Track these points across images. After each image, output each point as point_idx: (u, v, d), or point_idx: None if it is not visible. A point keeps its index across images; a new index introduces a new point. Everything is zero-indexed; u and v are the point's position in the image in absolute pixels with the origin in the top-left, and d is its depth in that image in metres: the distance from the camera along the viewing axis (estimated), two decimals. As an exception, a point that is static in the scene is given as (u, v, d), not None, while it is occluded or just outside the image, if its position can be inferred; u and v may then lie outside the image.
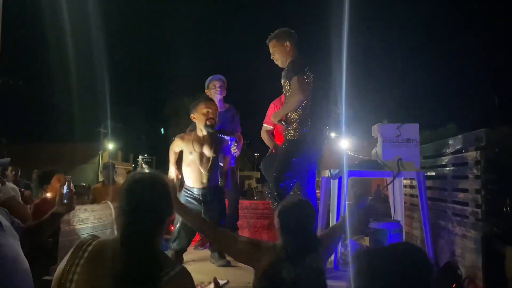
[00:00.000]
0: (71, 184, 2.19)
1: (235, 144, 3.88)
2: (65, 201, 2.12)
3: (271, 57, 3.46)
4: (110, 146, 30.79)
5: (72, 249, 1.46)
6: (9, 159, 2.31)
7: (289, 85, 3.25)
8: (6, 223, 1.90)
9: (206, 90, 4.25)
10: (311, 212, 2.08)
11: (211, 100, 3.59)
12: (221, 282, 2.33)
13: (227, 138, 3.99)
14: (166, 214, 1.51)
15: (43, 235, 2.16)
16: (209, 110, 3.40)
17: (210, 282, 2.13)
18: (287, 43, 3.36)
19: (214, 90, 4.13)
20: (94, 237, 1.50)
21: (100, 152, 29.83)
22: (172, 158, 3.52)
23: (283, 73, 3.38)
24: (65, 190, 2.13)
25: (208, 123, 3.37)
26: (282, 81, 3.40)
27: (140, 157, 34.90)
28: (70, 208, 2.18)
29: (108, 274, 1.33)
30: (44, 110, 29.39)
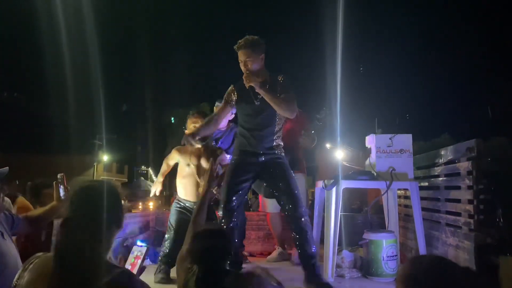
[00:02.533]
0: (65, 180, 2.27)
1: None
2: (62, 197, 2.24)
3: (241, 65, 3.13)
4: (105, 157, 30.68)
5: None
6: (7, 168, 2.28)
7: (284, 94, 3.16)
8: (5, 228, 2.03)
9: (215, 108, 4.26)
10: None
11: (199, 112, 3.61)
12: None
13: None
14: (110, 224, 1.44)
15: (40, 225, 2.40)
16: (196, 125, 3.43)
17: None
18: (263, 55, 3.17)
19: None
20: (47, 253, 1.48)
21: (95, 164, 29.69)
22: (163, 170, 3.54)
23: (264, 85, 3.09)
24: (60, 189, 2.25)
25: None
26: (263, 91, 3.08)
27: (135, 168, 34.78)
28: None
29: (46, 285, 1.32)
30: (38, 121, 29.26)
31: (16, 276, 1.42)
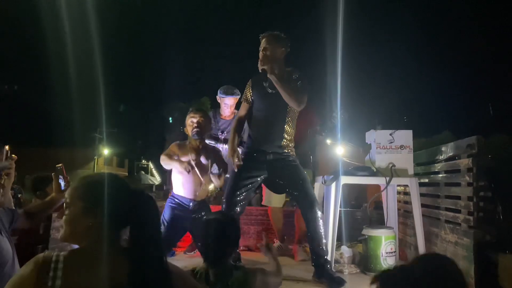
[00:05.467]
0: (64, 171, 2.25)
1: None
2: (63, 188, 2.22)
3: (261, 51, 3.19)
4: (105, 151, 30.69)
5: (32, 269, 1.26)
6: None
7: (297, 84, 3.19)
8: (3, 224, 2.05)
9: (217, 97, 4.34)
10: None
11: (198, 109, 3.59)
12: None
13: (213, 143, 4.04)
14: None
15: (39, 218, 2.39)
16: (193, 120, 3.42)
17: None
18: (283, 49, 3.25)
19: (225, 106, 4.29)
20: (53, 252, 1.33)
21: (95, 157, 29.71)
22: (170, 160, 3.38)
23: (276, 73, 3.09)
24: (60, 180, 2.24)
25: (193, 132, 3.39)
26: (274, 78, 3.09)
27: (136, 162, 34.81)
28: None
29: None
30: (38, 115, 29.25)
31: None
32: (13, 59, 29.39)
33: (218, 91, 4.35)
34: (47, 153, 25.70)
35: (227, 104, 4.31)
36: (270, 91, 3.19)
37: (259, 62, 3.11)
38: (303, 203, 3.16)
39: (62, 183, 2.25)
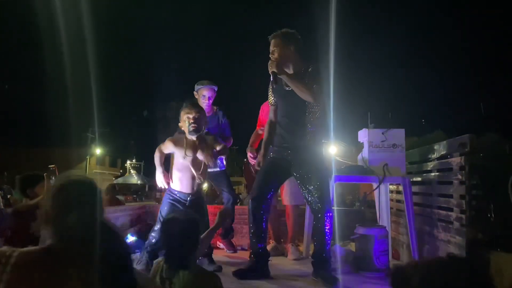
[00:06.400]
0: (57, 172, 2.23)
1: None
2: None
3: (270, 55, 3.22)
4: (98, 151, 30.52)
5: None
6: None
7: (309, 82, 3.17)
8: None
9: (194, 92, 4.25)
10: None
11: (193, 105, 3.54)
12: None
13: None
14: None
15: (29, 217, 2.36)
16: (189, 116, 3.35)
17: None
18: (292, 47, 3.21)
19: (202, 99, 4.15)
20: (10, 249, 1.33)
21: (88, 157, 29.53)
22: (158, 158, 3.40)
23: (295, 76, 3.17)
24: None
25: (191, 128, 3.33)
26: (286, 77, 3.17)
27: (128, 162, 34.65)
28: None
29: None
30: (30, 114, 29.04)
31: None
32: (4, 58, 29.13)
33: (195, 87, 4.28)
34: (38, 152, 25.52)
35: (205, 95, 4.20)
36: (287, 88, 3.23)
37: (268, 66, 3.11)
38: (316, 202, 3.13)
39: None
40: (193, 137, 3.32)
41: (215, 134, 3.94)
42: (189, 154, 3.32)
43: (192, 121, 3.31)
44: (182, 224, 1.90)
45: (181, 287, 1.80)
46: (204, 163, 3.35)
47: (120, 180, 28.92)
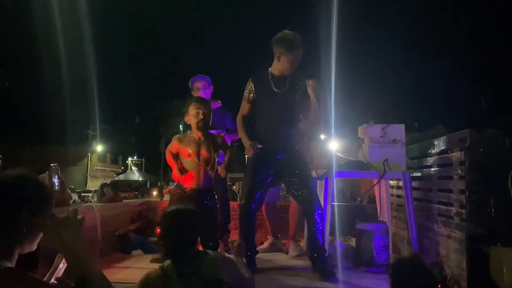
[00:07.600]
0: (58, 171, 2.21)
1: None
2: (56, 188, 2.16)
3: (286, 62, 3.22)
4: (99, 148, 30.53)
5: None
6: None
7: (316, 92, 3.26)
8: None
9: (192, 92, 4.27)
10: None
11: (202, 100, 3.54)
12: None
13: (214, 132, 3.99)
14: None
15: None
16: (199, 111, 3.34)
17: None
18: (301, 54, 3.29)
19: (198, 92, 4.17)
20: None
21: (89, 154, 29.55)
22: (173, 161, 3.38)
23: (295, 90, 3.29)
24: (54, 179, 2.18)
25: (199, 124, 3.32)
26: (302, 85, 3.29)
27: (130, 159, 34.66)
28: (63, 194, 2.18)
29: None
30: (31, 111, 29.02)
31: None
32: (5, 56, 29.11)
33: (189, 83, 4.31)
34: (40, 149, 25.52)
35: (199, 87, 4.22)
36: (276, 90, 3.25)
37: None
38: (307, 199, 3.21)
39: (56, 182, 2.21)
40: (200, 133, 3.31)
41: (218, 126, 3.96)
42: (194, 151, 3.31)
43: (201, 117, 3.30)
44: (178, 216, 1.90)
45: (200, 275, 1.77)
46: (210, 159, 3.34)
47: (121, 177, 28.97)
